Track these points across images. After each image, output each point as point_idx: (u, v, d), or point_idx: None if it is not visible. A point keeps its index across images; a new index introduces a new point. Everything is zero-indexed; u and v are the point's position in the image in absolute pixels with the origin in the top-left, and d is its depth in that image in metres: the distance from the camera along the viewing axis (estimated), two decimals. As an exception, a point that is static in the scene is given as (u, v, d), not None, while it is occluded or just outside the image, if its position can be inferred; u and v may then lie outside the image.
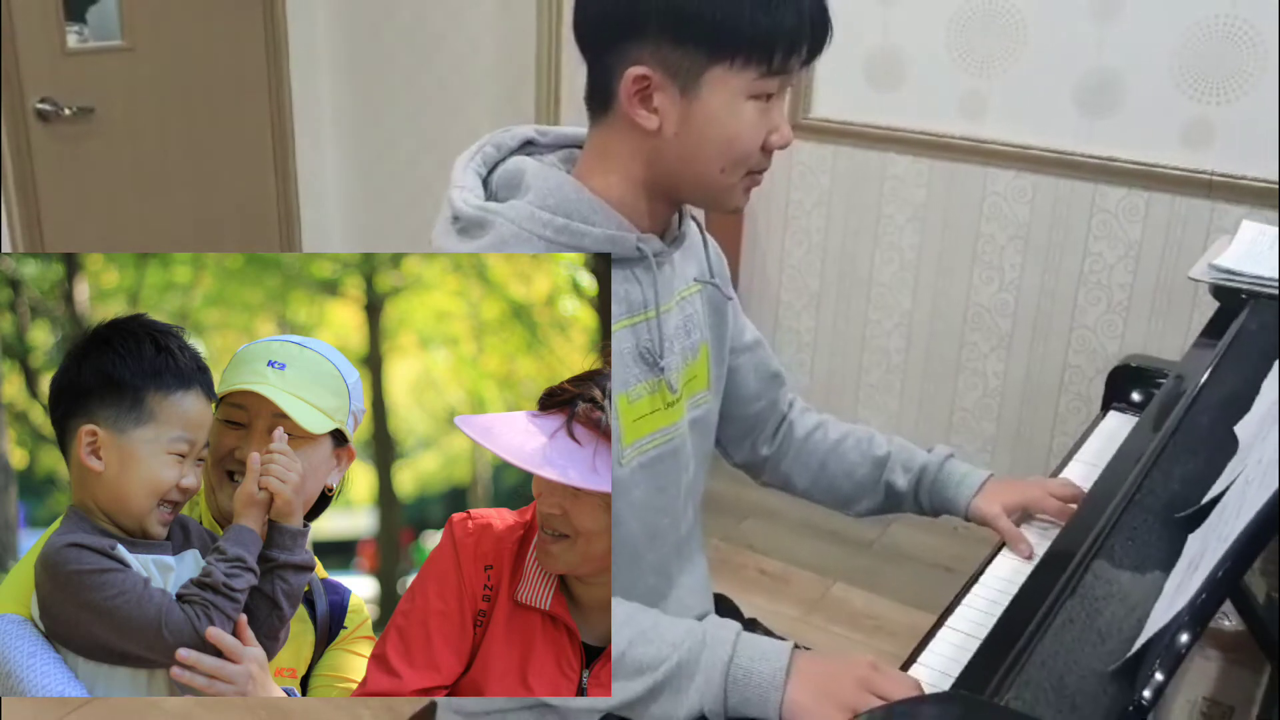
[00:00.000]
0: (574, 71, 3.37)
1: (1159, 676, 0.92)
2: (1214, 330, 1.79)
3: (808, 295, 3.40)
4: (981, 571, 1.46)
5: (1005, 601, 1.26)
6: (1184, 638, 0.94)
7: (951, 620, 1.36)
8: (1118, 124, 2.83)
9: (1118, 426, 1.84)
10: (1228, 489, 1.21)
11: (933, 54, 3.03)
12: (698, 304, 1.42)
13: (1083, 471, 1.71)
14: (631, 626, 1.19)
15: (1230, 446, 1.36)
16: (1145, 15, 2.74)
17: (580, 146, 1.33)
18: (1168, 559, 1.17)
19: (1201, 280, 1.88)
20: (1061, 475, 1.71)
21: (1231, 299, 1.84)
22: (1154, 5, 2.73)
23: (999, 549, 1.51)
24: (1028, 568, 1.42)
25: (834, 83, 3.20)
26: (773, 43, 1.16)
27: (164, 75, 3.69)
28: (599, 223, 1.23)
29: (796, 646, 1.21)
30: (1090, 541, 1.23)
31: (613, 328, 1.25)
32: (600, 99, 1.24)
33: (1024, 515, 1.55)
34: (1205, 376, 1.60)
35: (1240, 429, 1.40)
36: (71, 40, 3.43)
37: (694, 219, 1.41)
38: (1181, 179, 2.78)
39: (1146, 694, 0.91)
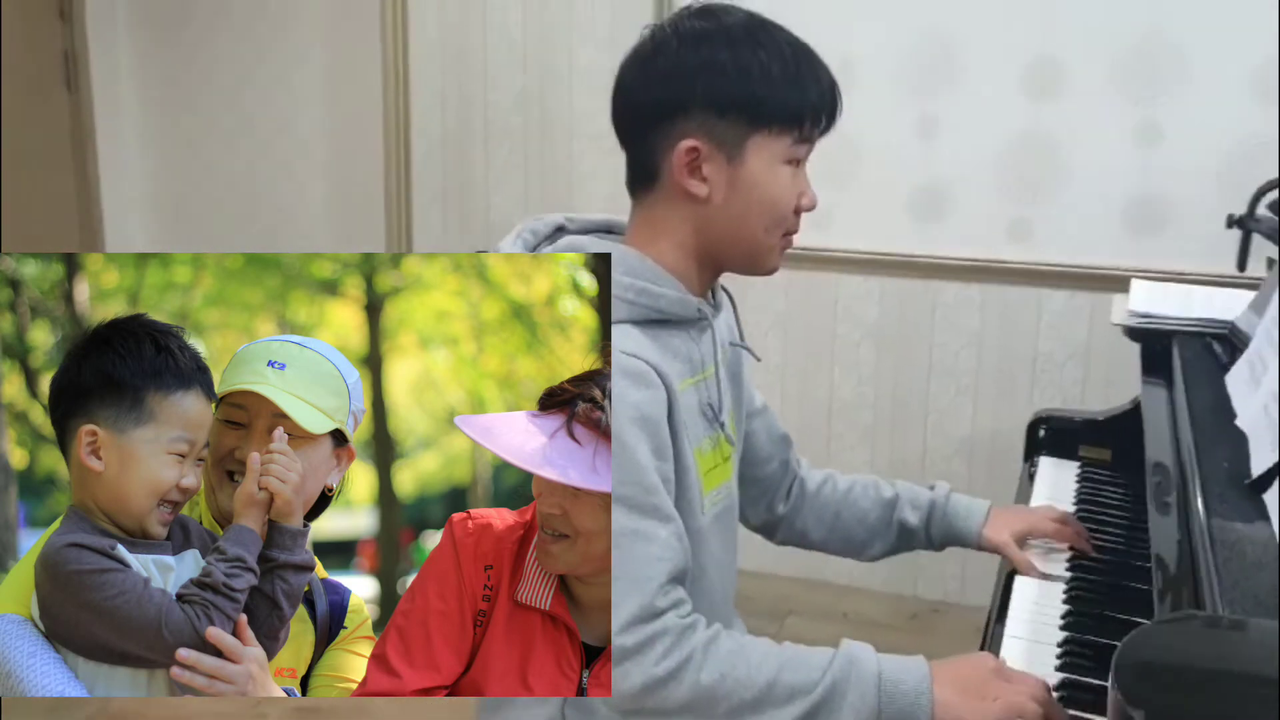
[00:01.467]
0: (425, 208, 3.52)
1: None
2: (1151, 369, 1.97)
3: None
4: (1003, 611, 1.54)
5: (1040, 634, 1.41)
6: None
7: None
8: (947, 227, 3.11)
9: (1052, 470, 2.04)
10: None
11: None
12: (723, 369, 1.49)
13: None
14: (775, 656, 1.22)
15: (1241, 440, 1.46)
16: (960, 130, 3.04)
17: (608, 231, 1.42)
18: (1263, 514, 1.28)
19: (1123, 324, 2.09)
20: None
21: (1151, 340, 2.05)
22: (972, 122, 3.03)
23: (1005, 590, 1.59)
24: (1046, 603, 1.53)
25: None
26: (801, 112, 1.30)
27: None
28: (668, 287, 1.32)
29: None
30: (1199, 505, 1.33)
31: (683, 384, 1.32)
32: (646, 176, 1.34)
33: (1023, 540, 1.66)
34: (1183, 389, 1.72)
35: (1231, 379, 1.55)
36: None
37: (722, 287, 1.49)
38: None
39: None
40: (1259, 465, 1.36)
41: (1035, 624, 1.48)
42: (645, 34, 1.33)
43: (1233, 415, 1.55)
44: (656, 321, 1.31)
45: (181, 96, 3.88)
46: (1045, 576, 1.60)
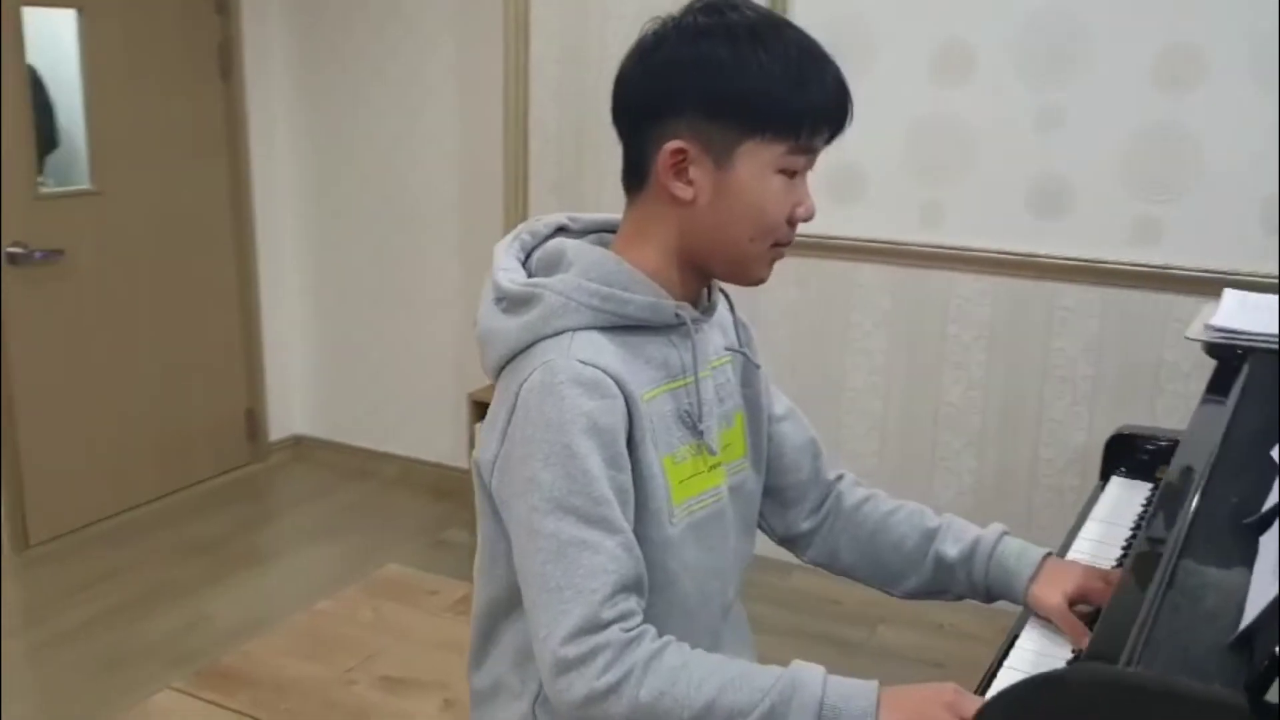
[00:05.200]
0: (542, 198, 3.57)
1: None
2: (1216, 387, 1.83)
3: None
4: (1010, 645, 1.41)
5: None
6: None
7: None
8: (1068, 225, 2.94)
9: (1122, 490, 1.88)
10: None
11: (891, 167, 3.11)
12: (729, 373, 1.43)
13: (1100, 530, 1.72)
14: (720, 675, 1.18)
15: (1270, 470, 1.36)
16: (1086, 124, 2.86)
17: (610, 230, 1.38)
18: (1247, 558, 1.18)
19: (1198, 340, 1.95)
20: (1079, 536, 1.68)
21: (1228, 356, 1.92)
22: (1097, 115, 2.84)
23: (1022, 624, 1.44)
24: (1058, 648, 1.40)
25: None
26: (800, 119, 1.22)
27: (132, 219, 3.76)
28: (639, 292, 1.27)
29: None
30: (1173, 542, 1.24)
31: (655, 392, 1.28)
32: (637, 176, 1.29)
33: (1077, 603, 1.45)
34: (1229, 417, 1.58)
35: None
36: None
37: (722, 291, 1.44)
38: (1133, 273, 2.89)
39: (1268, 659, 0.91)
40: (1271, 502, 1.24)
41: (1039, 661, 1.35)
42: (651, 26, 1.28)
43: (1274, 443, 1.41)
44: (626, 327, 1.27)
45: (325, 87, 4.05)
46: None
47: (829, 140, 1.27)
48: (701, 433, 1.33)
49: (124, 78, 3.66)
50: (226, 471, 4.22)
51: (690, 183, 1.24)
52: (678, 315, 1.30)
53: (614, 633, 1.15)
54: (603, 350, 1.23)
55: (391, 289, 4.09)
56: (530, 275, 1.34)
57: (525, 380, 1.22)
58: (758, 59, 1.20)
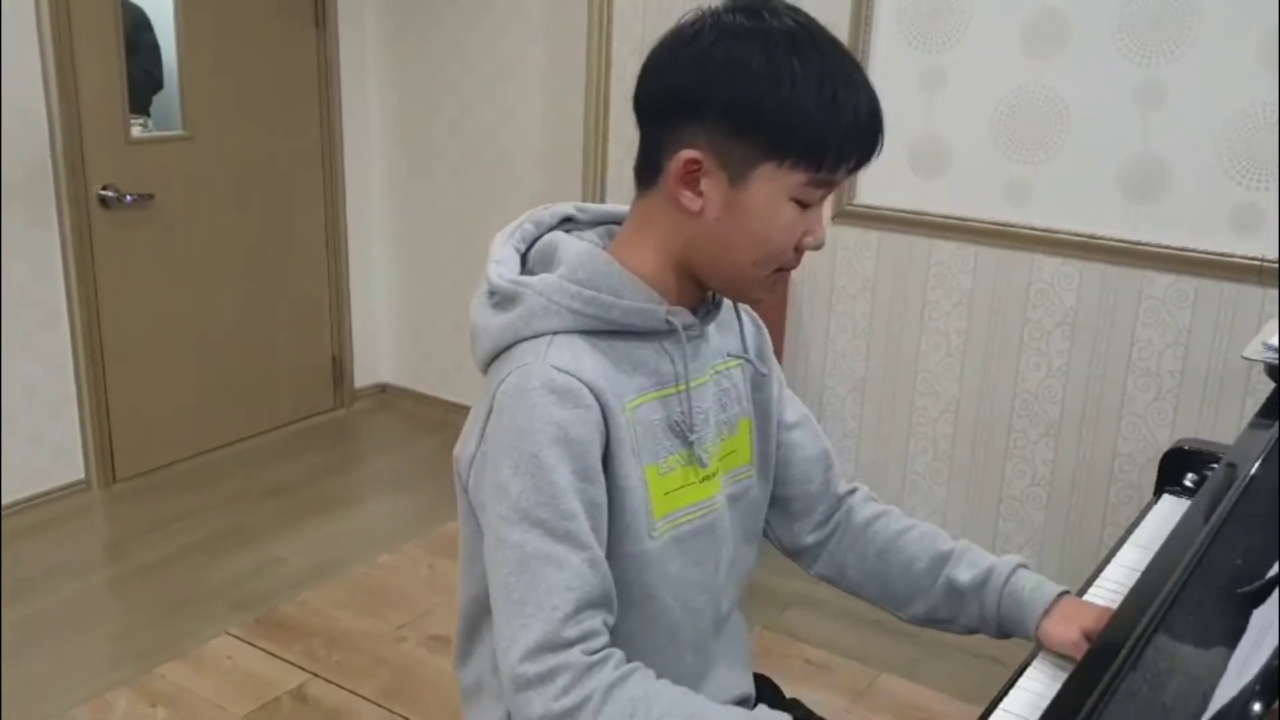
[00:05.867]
0: (620, 161, 3.50)
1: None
2: (1270, 410, 1.72)
3: (853, 381, 3.32)
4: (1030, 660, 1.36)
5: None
6: (1256, 707, 0.91)
7: (1006, 703, 1.27)
8: (1162, 210, 2.77)
9: (1171, 509, 1.76)
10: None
11: (977, 141, 2.98)
12: (737, 377, 1.38)
13: (1137, 555, 1.61)
14: (681, 710, 1.14)
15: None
16: (1186, 103, 2.67)
17: (619, 222, 1.33)
18: (1231, 634, 1.11)
19: (1256, 360, 1.82)
20: (1112, 561, 1.58)
21: None
22: (1198, 93, 2.65)
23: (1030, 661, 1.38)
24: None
25: (878, 169, 3.00)
26: (825, 149, 1.16)
27: (223, 165, 3.79)
28: (628, 295, 1.22)
29: None
30: (1149, 616, 1.15)
31: (641, 399, 1.23)
32: (649, 171, 1.24)
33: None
34: (1261, 455, 1.48)
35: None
36: (136, 131, 3.56)
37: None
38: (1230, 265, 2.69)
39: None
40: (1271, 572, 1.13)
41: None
42: (689, 17, 1.21)
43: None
44: (612, 332, 1.22)
45: (417, 37, 4.04)
46: None
47: (854, 170, 1.20)
48: (692, 443, 1.27)
49: (218, 23, 3.70)
50: (310, 416, 4.30)
51: (700, 194, 1.19)
52: (668, 322, 1.24)
53: (575, 654, 1.12)
54: (581, 356, 1.18)
55: (476, 242, 4.08)
56: (528, 269, 1.29)
57: (502, 382, 1.18)
58: (791, 72, 1.12)
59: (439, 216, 4.19)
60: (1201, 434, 2.74)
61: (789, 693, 1.60)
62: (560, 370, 1.15)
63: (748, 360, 1.40)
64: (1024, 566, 1.42)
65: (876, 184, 3.11)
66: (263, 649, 2.76)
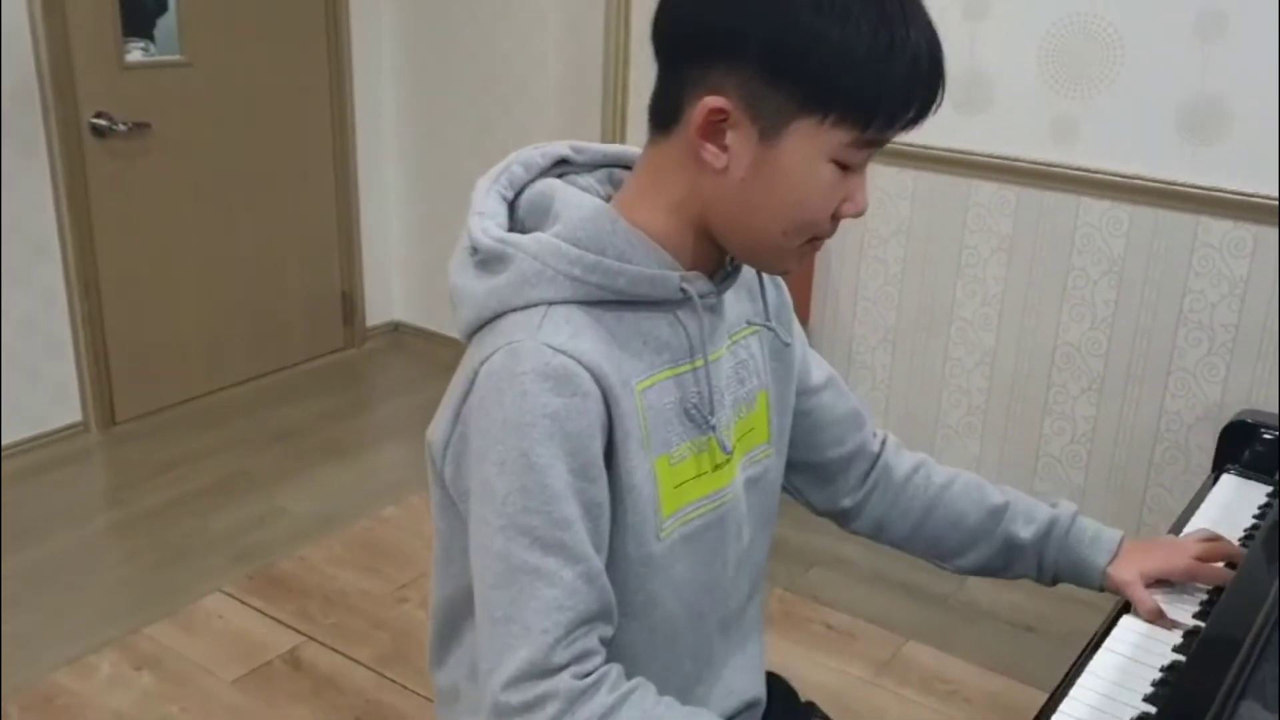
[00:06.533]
0: (643, 93, 3.21)
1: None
2: None
3: (883, 330, 3.13)
4: (1097, 644, 1.29)
5: (1125, 689, 1.18)
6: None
7: (1065, 705, 1.18)
8: (1222, 152, 2.55)
9: (1233, 491, 1.62)
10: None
11: (1022, 75, 2.77)
12: (754, 347, 1.22)
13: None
14: None
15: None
16: (1251, 37, 2.45)
17: (623, 165, 1.17)
18: None
19: None
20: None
21: None
22: (1260, 27, 2.43)
23: (1115, 616, 1.33)
24: (1153, 643, 1.27)
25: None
26: (875, 105, 0.99)
27: (223, 92, 3.58)
28: (636, 259, 1.05)
29: None
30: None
31: (652, 379, 1.08)
32: (666, 114, 1.06)
33: (1155, 581, 1.36)
34: None
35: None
36: (135, 55, 3.35)
37: None
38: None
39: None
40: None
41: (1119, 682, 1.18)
42: None
43: None
44: (619, 302, 1.05)
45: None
46: (1173, 625, 1.30)
47: (906, 128, 1.04)
48: (713, 427, 1.11)
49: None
50: (319, 356, 4.16)
51: (725, 149, 1.01)
52: (683, 290, 1.07)
53: (565, 680, 0.97)
54: (581, 332, 1.01)
55: (490, 165, 3.90)
56: (517, 221, 1.11)
57: (486, 360, 1.02)
58: (843, 14, 0.95)
59: (454, 146, 4.00)
60: (1256, 393, 2.58)
61: (809, 667, 1.47)
62: (556, 350, 0.99)
63: (769, 328, 1.23)
64: (1080, 514, 1.38)
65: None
66: (256, 608, 2.64)
